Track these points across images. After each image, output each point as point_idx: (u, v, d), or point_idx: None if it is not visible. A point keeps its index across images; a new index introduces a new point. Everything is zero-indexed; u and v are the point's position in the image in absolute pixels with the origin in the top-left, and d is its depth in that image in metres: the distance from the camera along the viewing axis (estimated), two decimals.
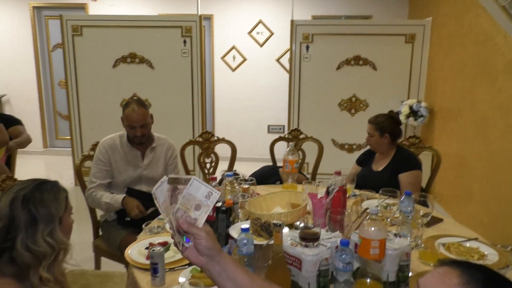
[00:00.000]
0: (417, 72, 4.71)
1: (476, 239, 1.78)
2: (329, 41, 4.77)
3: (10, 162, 3.29)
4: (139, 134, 2.39)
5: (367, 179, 2.57)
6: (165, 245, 1.70)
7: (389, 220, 1.92)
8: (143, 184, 2.49)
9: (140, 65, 4.63)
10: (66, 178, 4.90)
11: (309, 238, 1.39)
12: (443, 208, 3.91)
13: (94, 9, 5.95)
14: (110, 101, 4.66)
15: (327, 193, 1.76)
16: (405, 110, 4.46)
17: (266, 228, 1.57)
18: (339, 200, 1.68)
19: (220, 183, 1.98)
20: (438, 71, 4.42)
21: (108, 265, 2.59)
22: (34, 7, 6.00)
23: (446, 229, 1.95)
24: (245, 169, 5.60)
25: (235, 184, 1.80)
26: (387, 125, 2.63)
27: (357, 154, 4.89)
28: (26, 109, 6.29)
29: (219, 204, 1.63)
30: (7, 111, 6.30)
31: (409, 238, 1.67)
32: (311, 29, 4.77)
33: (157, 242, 1.73)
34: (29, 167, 5.78)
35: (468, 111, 3.63)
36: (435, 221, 2.01)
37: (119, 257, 2.38)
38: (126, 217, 2.34)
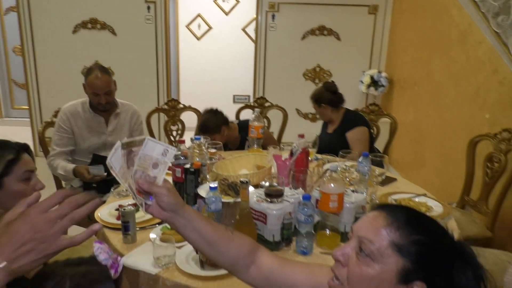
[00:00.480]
0: (379, 43, 4.84)
1: (424, 194, 1.95)
2: (295, 10, 4.80)
3: None
4: (103, 102, 2.37)
5: (323, 141, 2.77)
6: (135, 205, 1.75)
7: (348, 180, 2.05)
8: (108, 151, 2.47)
9: (101, 32, 4.49)
10: None
11: (273, 194, 1.49)
12: (399, 173, 4.15)
13: None
14: (70, 68, 4.51)
15: (291, 154, 1.85)
16: (366, 80, 4.61)
17: (233, 187, 1.66)
18: (302, 161, 1.79)
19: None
20: (398, 42, 4.57)
21: (74, 232, 2.61)
22: None
23: (399, 187, 2.11)
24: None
25: (203, 147, 1.86)
26: (322, 96, 2.87)
27: (320, 123, 5.06)
28: None
29: (188, 165, 1.69)
30: None
31: (365, 194, 1.80)
32: None
33: (127, 204, 1.78)
34: None
35: (425, 81, 3.81)
36: (389, 180, 2.17)
37: (86, 223, 2.40)
38: (91, 183, 2.36)
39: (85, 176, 2.26)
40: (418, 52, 3.98)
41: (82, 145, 2.45)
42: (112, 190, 1.93)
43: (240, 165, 2.01)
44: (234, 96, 6.10)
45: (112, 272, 0.89)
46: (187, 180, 1.69)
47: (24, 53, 4.50)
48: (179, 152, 1.80)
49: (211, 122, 2.65)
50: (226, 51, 5.95)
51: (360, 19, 4.79)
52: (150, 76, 4.60)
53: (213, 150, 2.12)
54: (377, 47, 4.86)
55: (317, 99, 2.90)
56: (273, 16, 4.81)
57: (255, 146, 2.49)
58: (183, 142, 1.84)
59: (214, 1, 5.80)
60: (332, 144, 2.66)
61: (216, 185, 1.51)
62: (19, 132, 5.58)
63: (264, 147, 2.51)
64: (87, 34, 4.49)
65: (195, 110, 3.19)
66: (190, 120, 3.23)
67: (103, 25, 4.47)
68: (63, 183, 2.59)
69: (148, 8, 4.42)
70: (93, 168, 2.26)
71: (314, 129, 4.97)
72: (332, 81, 2.99)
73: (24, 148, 1.36)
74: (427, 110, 3.74)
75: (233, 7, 5.83)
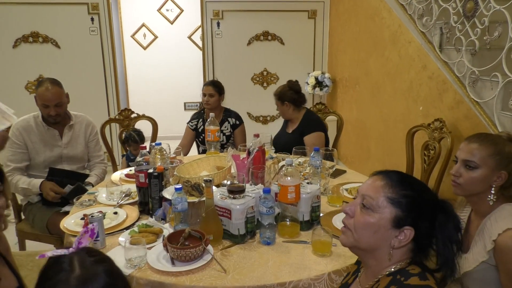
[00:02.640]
0: (320, 45, 5.11)
1: None
2: (239, 17, 4.95)
3: None
4: (53, 114, 2.35)
5: (281, 140, 2.91)
6: (101, 212, 1.79)
7: (301, 174, 2.21)
8: (64, 163, 2.49)
9: (44, 45, 4.39)
10: None
11: (236, 190, 1.61)
12: (347, 167, 4.41)
13: None
14: (13, 83, 4.36)
15: (248, 153, 1.97)
16: (311, 81, 4.85)
17: (196, 188, 1.75)
18: (259, 158, 1.91)
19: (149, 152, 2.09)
20: (337, 44, 4.87)
21: (34, 247, 2.58)
22: None
23: (348, 178, 2.31)
24: (165, 147, 5.67)
25: (164, 152, 1.93)
26: (285, 94, 2.97)
27: (271, 125, 5.27)
28: None
29: (151, 170, 1.76)
30: None
31: (318, 185, 1.97)
32: (221, 6, 4.89)
33: (90, 213, 1.81)
34: None
35: (364, 79, 4.11)
36: (339, 172, 2.36)
37: (47, 237, 2.39)
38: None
39: (49, 194, 2.25)
40: (356, 53, 4.28)
41: (37, 159, 2.42)
42: (74, 201, 1.95)
43: (200, 167, 2.10)
44: (185, 103, 6.15)
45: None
46: (151, 184, 1.76)
47: None
48: (141, 159, 1.86)
49: (219, 83, 3.10)
50: (173, 59, 5.99)
51: (301, 24, 5.03)
52: (99, 87, 4.55)
53: (172, 155, 2.20)
54: (319, 49, 5.13)
55: (280, 96, 2.97)
56: (218, 24, 4.93)
57: (212, 149, 2.60)
58: (145, 148, 1.90)
59: (158, 11, 5.82)
60: (288, 143, 2.80)
61: (181, 186, 1.60)
62: None
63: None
64: (29, 48, 4.36)
65: (149, 118, 3.22)
66: (144, 129, 3.25)
67: (45, 38, 4.36)
68: (19, 199, 2.54)
69: (92, 19, 4.38)
70: (68, 188, 2.27)
71: (265, 131, 5.16)
72: (296, 81, 3.07)
73: None
74: (369, 106, 4.02)
75: (177, 16, 5.88)
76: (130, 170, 2.29)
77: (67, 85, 4.51)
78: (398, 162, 3.36)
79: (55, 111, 2.35)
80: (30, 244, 2.53)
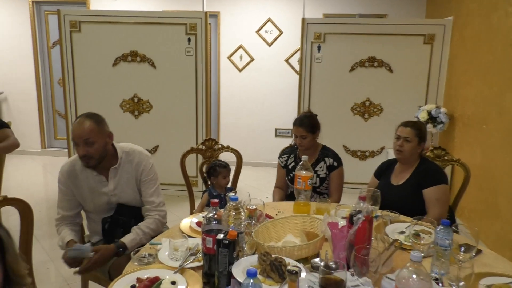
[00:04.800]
0: (436, 75, 4.41)
1: None
2: (342, 41, 4.49)
3: None
4: (81, 153, 1.94)
5: (386, 195, 2.26)
6: (155, 281, 1.43)
7: (420, 250, 1.64)
8: (116, 213, 2.15)
9: (141, 64, 4.37)
10: None
11: (332, 285, 1.12)
12: (465, 222, 3.60)
13: (96, 5, 5.70)
14: (109, 101, 4.40)
15: (350, 222, 1.47)
16: (423, 115, 4.16)
17: (277, 268, 1.30)
18: (364, 232, 1.40)
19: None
20: (460, 74, 4.11)
21: None
22: (33, 2, 5.76)
23: (487, 263, 1.66)
24: (251, 175, 5.37)
25: (241, 210, 1.51)
26: (425, 132, 2.38)
27: (370, 162, 4.64)
28: (24, 108, 6.06)
29: (221, 236, 1.35)
30: (4, 109, 6.08)
31: (445, 274, 1.39)
32: (323, 28, 4.48)
33: (145, 276, 1.46)
34: (25, 168, 5.55)
35: (495, 119, 3.33)
36: (470, 249, 1.72)
37: (109, 283, 2.11)
38: (113, 238, 2.05)
39: (64, 256, 1.92)
40: (487, 86, 3.51)
41: (87, 207, 2.15)
42: (132, 254, 1.62)
43: (285, 228, 1.65)
44: (276, 129, 5.79)
45: None
46: (219, 254, 1.35)
47: (65, 84, 4.44)
48: (212, 214, 1.47)
49: (311, 119, 2.59)
50: (268, 83, 5.70)
51: (414, 50, 4.39)
52: (190, 109, 4.39)
53: (253, 207, 1.78)
54: (434, 80, 4.42)
55: (422, 133, 2.35)
56: (319, 47, 4.52)
57: (302, 197, 2.14)
58: (216, 204, 1.50)
59: (256, 32, 5.60)
60: (397, 199, 2.22)
61: (255, 268, 1.16)
62: (59, 163, 5.54)
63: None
64: (127, 67, 4.38)
65: (234, 151, 2.88)
66: (229, 155, 2.91)
67: (143, 58, 4.34)
68: (85, 235, 2.33)
69: (189, 40, 4.26)
70: (73, 249, 1.86)
71: (362, 169, 4.55)
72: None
73: None
74: (499, 152, 3.23)
75: (276, 38, 5.60)
76: (203, 217, 1.92)
77: (159, 106, 4.54)
78: None
79: (84, 150, 1.93)
80: (94, 287, 2.28)
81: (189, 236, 1.77)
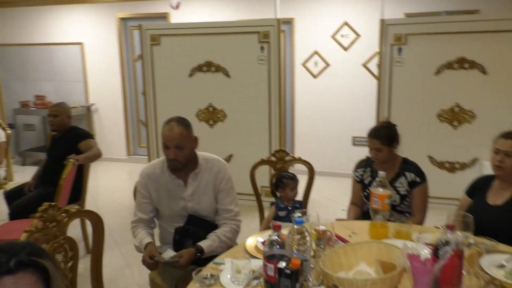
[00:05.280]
0: None
1: None
2: (427, 41, 4.12)
3: (82, 173, 3.24)
4: (171, 157, 2.01)
5: (481, 217, 1.94)
6: None
7: None
8: (187, 223, 2.14)
9: (216, 74, 4.42)
10: None
11: None
12: None
13: (176, 18, 5.94)
14: (185, 110, 4.48)
15: (435, 253, 1.26)
16: None
17: None
18: (453, 269, 1.18)
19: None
20: None
21: None
22: (120, 18, 6.18)
23: None
24: (326, 186, 5.16)
25: (306, 234, 1.37)
26: None
27: (460, 175, 4.18)
28: (112, 118, 6.50)
29: (283, 264, 1.23)
30: (96, 119, 6.58)
31: None
32: (404, 29, 4.16)
33: None
34: (112, 174, 5.94)
35: None
36: None
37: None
38: (183, 249, 2.03)
39: (146, 260, 1.95)
40: None
41: (162, 212, 2.16)
42: (193, 274, 1.57)
43: (357, 256, 1.48)
44: (353, 138, 5.52)
45: None
46: (280, 285, 1.23)
47: (146, 95, 4.66)
48: (275, 237, 1.36)
49: (389, 130, 2.38)
50: (344, 89, 5.46)
51: None
52: (263, 118, 4.34)
53: (321, 228, 1.63)
54: None
55: None
56: (400, 50, 4.20)
57: (379, 217, 1.93)
58: (279, 228, 1.37)
59: (332, 37, 5.40)
60: (500, 223, 1.92)
61: None
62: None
63: None
64: (202, 77, 4.46)
65: (305, 162, 2.74)
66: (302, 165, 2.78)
67: (217, 68, 4.39)
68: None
69: (262, 48, 4.21)
70: (164, 262, 1.93)
71: (450, 182, 4.11)
72: None
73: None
74: None
75: (352, 42, 5.34)
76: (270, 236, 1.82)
77: (233, 115, 4.55)
78: None
79: (174, 154, 2.00)
80: None
81: (254, 257, 1.68)
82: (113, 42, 6.25)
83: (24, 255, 0.94)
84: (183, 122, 2.06)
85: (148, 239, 2.05)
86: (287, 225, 1.58)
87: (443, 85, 4.11)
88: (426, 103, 4.18)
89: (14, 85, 6.76)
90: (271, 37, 4.17)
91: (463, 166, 4.16)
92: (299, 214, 1.48)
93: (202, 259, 1.94)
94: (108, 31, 6.24)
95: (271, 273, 1.29)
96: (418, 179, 2.35)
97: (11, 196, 3.26)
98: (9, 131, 4.17)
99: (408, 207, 2.41)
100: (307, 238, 1.36)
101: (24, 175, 3.53)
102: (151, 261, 1.93)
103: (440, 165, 4.24)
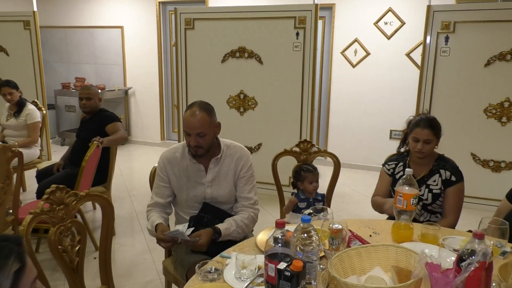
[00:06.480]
0: None
1: None
2: (477, 30, 3.79)
3: (109, 156, 3.26)
4: (192, 144, 1.95)
5: None
6: None
7: None
8: (202, 211, 2.08)
9: (248, 60, 4.31)
10: None
11: None
12: None
13: (214, 2, 5.86)
14: (216, 97, 4.44)
15: (458, 265, 1.11)
16: None
17: None
18: (478, 283, 1.02)
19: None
20: None
21: None
22: (160, 2, 6.18)
23: None
24: (361, 179, 4.95)
25: (312, 234, 1.24)
26: None
27: (506, 175, 3.85)
28: (148, 102, 6.57)
29: (283, 265, 1.12)
30: (132, 103, 6.68)
31: None
32: (453, 16, 3.85)
33: None
34: (144, 158, 6.02)
35: None
36: None
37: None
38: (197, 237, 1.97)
39: (159, 237, 1.91)
40: None
41: (180, 197, 2.11)
42: (196, 268, 1.49)
43: (371, 259, 1.34)
44: (391, 131, 5.25)
45: None
46: (279, 287, 1.12)
47: (178, 80, 4.63)
48: (280, 235, 1.24)
49: (437, 122, 2.23)
50: (385, 79, 5.18)
51: None
52: (295, 106, 4.19)
53: (337, 226, 1.49)
54: None
55: None
56: (447, 38, 3.90)
57: (404, 218, 1.77)
58: (283, 226, 1.26)
59: (374, 24, 5.12)
60: None
61: None
62: None
63: None
64: (235, 63, 4.36)
65: (331, 155, 2.59)
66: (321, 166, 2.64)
67: (250, 54, 4.27)
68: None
69: (297, 34, 4.05)
70: (172, 232, 1.86)
71: (494, 182, 3.80)
72: None
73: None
74: None
75: (396, 30, 5.04)
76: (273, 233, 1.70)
77: (264, 103, 4.43)
78: None
79: (195, 141, 1.94)
80: None
81: (263, 252, 1.57)
82: (152, 26, 6.27)
83: None
84: (206, 108, 1.98)
85: (158, 220, 2.01)
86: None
87: (493, 77, 3.79)
88: (472, 96, 3.87)
89: (57, 66, 6.99)
90: (308, 22, 3.99)
91: (510, 166, 3.83)
92: (310, 211, 1.35)
93: (218, 242, 1.91)
94: (148, 15, 6.27)
95: (271, 273, 1.18)
96: (454, 178, 2.15)
97: (41, 175, 3.34)
98: (44, 111, 4.28)
99: (440, 207, 2.21)
100: (314, 238, 1.24)
101: (61, 155, 3.60)
102: (165, 236, 1.87)
103: (484, 163, 3.92)
